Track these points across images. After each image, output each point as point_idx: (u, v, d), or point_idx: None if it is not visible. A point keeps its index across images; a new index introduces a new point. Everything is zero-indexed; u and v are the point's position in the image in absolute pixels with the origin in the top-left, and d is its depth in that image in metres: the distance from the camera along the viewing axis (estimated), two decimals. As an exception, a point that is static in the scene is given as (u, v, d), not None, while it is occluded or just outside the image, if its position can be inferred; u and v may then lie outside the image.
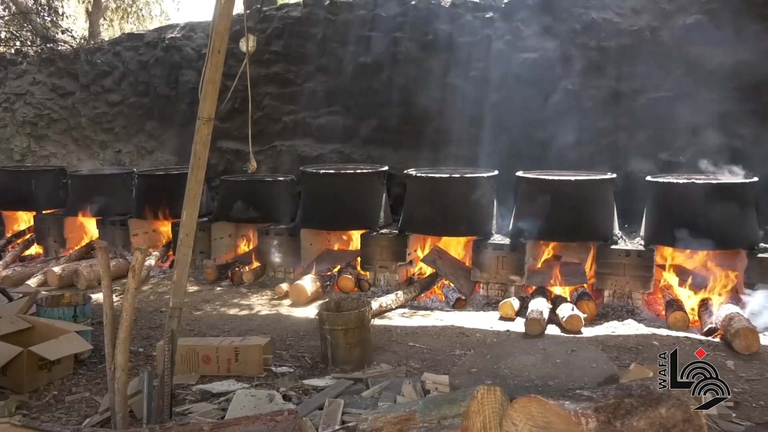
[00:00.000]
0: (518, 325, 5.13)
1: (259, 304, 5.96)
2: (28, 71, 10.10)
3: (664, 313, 5.24)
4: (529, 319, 4.95)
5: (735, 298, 5.22)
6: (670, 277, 5.64)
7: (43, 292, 5.60)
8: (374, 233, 6.48)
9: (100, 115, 9.70)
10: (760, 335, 4.47)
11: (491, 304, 5.78)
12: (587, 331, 4.96)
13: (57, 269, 6.60)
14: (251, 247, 7.30)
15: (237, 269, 6.81)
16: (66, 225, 7.79)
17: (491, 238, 6.12)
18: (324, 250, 6.95)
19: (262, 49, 8.20)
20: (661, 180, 5.69)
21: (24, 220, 8.48)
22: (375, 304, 5.29)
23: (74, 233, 7.87)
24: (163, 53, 9.31)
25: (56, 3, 11.50)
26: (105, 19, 13.99)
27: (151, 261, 6.98)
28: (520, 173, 6.25)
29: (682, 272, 5.67)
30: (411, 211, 6.41)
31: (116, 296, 5.32)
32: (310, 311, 5.58)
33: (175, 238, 6.98)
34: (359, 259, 6.54)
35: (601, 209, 5.85)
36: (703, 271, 5.56)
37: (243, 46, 3.32)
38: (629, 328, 5.07)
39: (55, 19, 11.01)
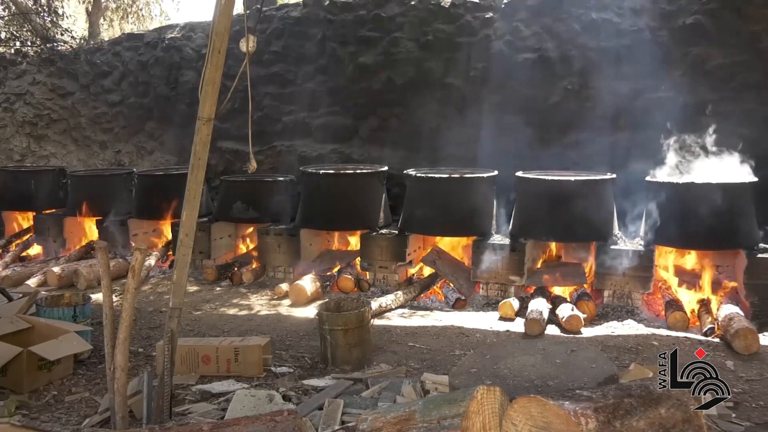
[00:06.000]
0: (518, 326, 5.13)
1: (259, 304, 5.96)
2: (27, 71, 10.10)
3: (663, 313, 5.24)
4: (529, 319, 4.95)
5: (735, 298, 5.22)
6: (670, 278, 5.64)
7: (43, 292, 5.59)
8: (374, 233, 6.48)
9: (100, 115, 9.70)
10: (760, 335, 4.47)
11: (491, 305, 5.78)
12: (587, 332, 4.96)
13: (57, 269, 6.60)
14: (251, 247, 7.30)
15: (237, 269, 6.81)
16: (66, 225, 7.79)
17: (491, 238, 6.12)
18: (324, 250, 6.95)
19: (262, 49, 8.20)
20: (660, 180, 5.69)
21: (24, 220, 8.47)
22: (375, 305, 5.29)
23: (74, 233, 7.86)
24: (163, 53, 9.31)
25: (56, 3, 11.50)
26: (105, 19, 13.98)
27: (151, 261, 6.98)
28: (520, 173, 6.25)
29: (681, 272, 5.67)
30: (411, 211, 6.41)
31: (116, 296, 5.32)
32: (310, 311, 5.58)
33: (175, 238, 6.99)
34: (359, 259, 6.54)
35: (601, 209, 5.85)
36: (702, 272, 5.57)
37: (243, 46, 3.32)
38: (629, 328, 5.07)
39: (55, 19, 11.02)
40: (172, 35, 9.45)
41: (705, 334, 4.77)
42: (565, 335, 4.87)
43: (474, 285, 6.04)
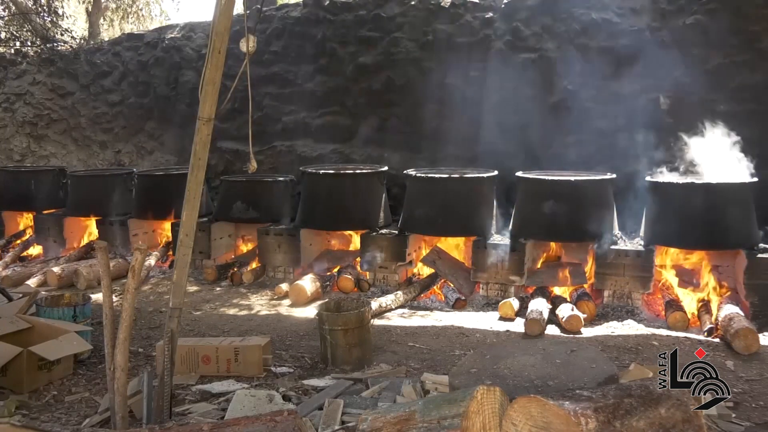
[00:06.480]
0: (518, 326, 5.13)
1: (259, 304, 5.96)
2: (28, 71, 10.10)
3: (663, 313, 5.24)
4: (529, 319, 4.95)
5: (735, 298, 5.22)
6: (670, 278, 5.64)
7: (43, 292, 5.59)
8: (374, 233, 6.48)
9: (100, 115, 9.70)
10: (760, 335, 4.47)
11: (491, 305, 5.78)
12: (587, 332, 4.96)
13: (57, 269, 6.60)
14: (251, 247, 7.30)
15: (237, 269, 6.80)
16: (66, 225, 7.79)
17: (491, 238, 6.12)
18: (324, 250, 6.95)
19: (262, 49, 8.19)
20: (661, 180, 5.69)
21: (24, 220, 8.47)
22: (374, 305, 5.29)
23: (74, 233, 7.86)
24: (163, 53, 9.31)
25: (56, 3, 11.50)
26: (105, 19, 14.00)
27: (151, 261, 6.98)
28: (520, 173, 6.25)
29: (681, 272, 5.67)
30: (411, 211, 6.41)
31: (116, 296, 5.32)
32: (310, 311, 5.59)
33: (175, 238, 6.99)
34: (359, 259, 6.54)
35: (601, 209, 5.85)
36: (701, 272, 5.57)
37: (243, 46, 3.32)
38: (629, 328, 5.07)
39: (54, 19, 11.02)
40: (172, 35, 9.45)
41: (705, 334, 4.77)
42: (565, 335, 4.87)
43: (474, 285, 6.04)
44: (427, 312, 5.65)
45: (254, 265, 6.88)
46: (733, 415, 3.29)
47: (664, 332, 4.90)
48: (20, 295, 5.04)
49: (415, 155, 7.69)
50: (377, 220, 6.67)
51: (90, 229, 7.95)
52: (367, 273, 6.40)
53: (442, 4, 7.74)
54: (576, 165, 6.68)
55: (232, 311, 5.72)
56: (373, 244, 6.38)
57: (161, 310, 5.62)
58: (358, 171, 6.92)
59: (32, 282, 6.51)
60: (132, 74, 9.51)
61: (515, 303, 5.46)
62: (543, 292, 5.64)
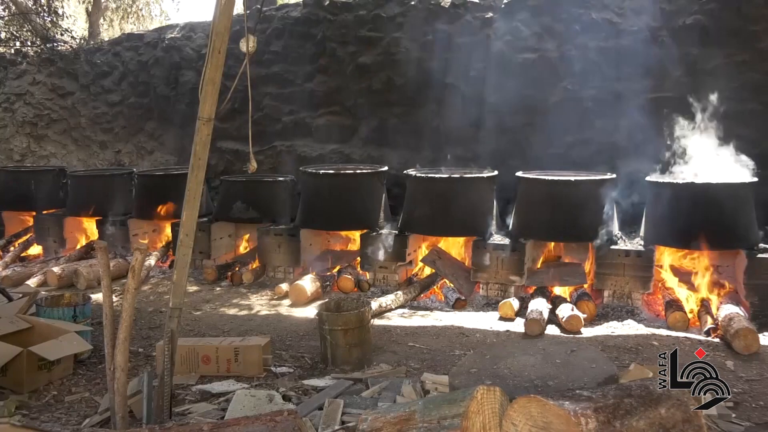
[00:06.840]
0: (518, 326, 5.13)
1: (259, 304, 5.96)
2: (28, 71, 10.10)
3: (663, 313, 5.24)
4: (529, 319, 4.95)
5: (735, 298, 5.22)
6: (670, 278, 5.64)
7: (43, 292, 5.59)
8: (374, 233, 6.48)
9: (100, 115, 9.70)
10: (760, 335, 4.47)
11: (491, 305, 5.78)
12: (587, 332, 4.96)
13: (57, 269, 6.60)
14: (251, 247, 7.30)
15: (237, 269, 6.81)
16: (66, 225, 7.79)
17: (491, 238, 6.12)
18: (324, 250, 6.95)
19: (262, 49, 8.19)
20: (661, 180, 5.69)
21: (24, 220, 8.47)
22: (375, 305, 5.29)
23: (74, 233, 7.87)
24: (163, 53, 9.32)
25: (56, 3, 11.50)
26: (105, 19, 14.00)
27: (151, 261, 6.98)
28: (520, 173, 6.25)
29: (681, 272, 5.67)
30: (411, 211, 6.41)
31: (116, 296, 5.32)
32: (310, 311, 5.59)
33: (175, 238, 6.99)
34: (359, 259, 6.54)
35: (601, 209, 5.85)
36: (701, 272, 5.57)
37: (243, 46, 3.32)
38: (629, 328, 5.07)
39: (55, 19, 11.02)
40: (172, 35, 9.45)
41: (705, 334, 4.77)
42: (565, 335, 4.87)
43: (474, 285, 6.04)
44: (427, 312, 5.65)
45: (254, 265, 6.88)
46: (733, 415, 3.30)
47: (664, 332, 4.90)
48: (20, 295, 5.03)
49: (415, 155, 7.69)
50: (377, 220, 6.67)
51: (90, 229, 7.95)
52: (367, 273, 6.40)
53: (442, 4, 7.73)
54: (576, 165, 6.68)
55: (232, 311, 5.72)
56: (373, 244, 6.37)
57: (161, 310, 5.62)
58: (358, 171, 6.92)
59: (32, 282, 6.50)
60: (132, 74, 9.52)
61: (515, 303, 5.46)
62: (543, 292, 5.64)
